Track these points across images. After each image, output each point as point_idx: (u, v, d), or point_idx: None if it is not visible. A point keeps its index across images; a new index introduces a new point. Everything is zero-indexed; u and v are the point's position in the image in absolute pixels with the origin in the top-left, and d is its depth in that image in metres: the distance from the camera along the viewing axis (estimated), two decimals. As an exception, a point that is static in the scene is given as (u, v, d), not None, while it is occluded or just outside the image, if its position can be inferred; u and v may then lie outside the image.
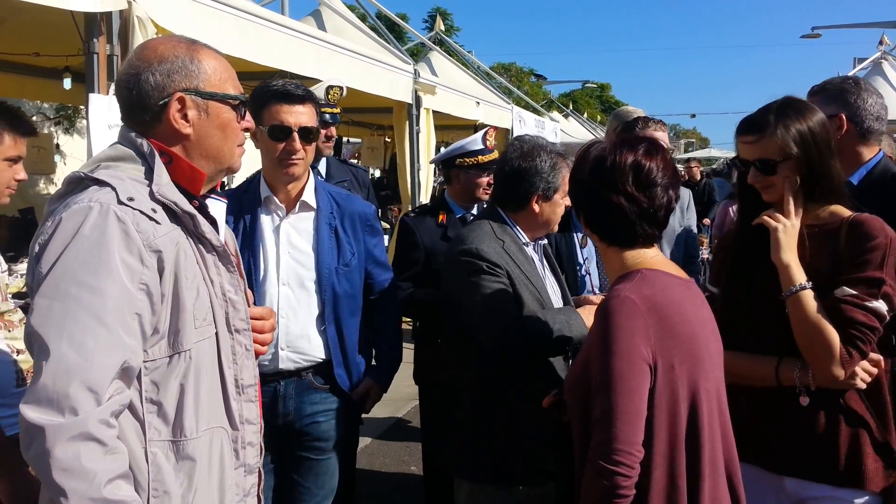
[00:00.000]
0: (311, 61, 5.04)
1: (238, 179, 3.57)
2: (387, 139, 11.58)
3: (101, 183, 1.43)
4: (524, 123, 10.38)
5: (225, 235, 1.72)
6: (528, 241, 2.48)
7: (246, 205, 2.49)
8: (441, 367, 2.73)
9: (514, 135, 10.09)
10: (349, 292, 2.57)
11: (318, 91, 3.19)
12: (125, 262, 1.36)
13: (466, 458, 2.40)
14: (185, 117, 1.54)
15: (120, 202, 1.40)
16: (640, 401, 1.59)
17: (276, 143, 2.41)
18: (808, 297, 1.90)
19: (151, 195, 1.45)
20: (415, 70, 7.05)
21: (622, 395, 1.57)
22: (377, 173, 12.83)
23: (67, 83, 5.32)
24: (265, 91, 2.47)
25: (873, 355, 1.93)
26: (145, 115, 1.53)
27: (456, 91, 8.24)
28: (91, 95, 3.29)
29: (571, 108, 27.36)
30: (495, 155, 3.37)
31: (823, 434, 1.93)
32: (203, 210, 1.58)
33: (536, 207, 2.43)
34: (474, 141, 3.41)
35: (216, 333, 1.54)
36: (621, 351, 1.59)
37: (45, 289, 1.33)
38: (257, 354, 1.76)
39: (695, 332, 1.69)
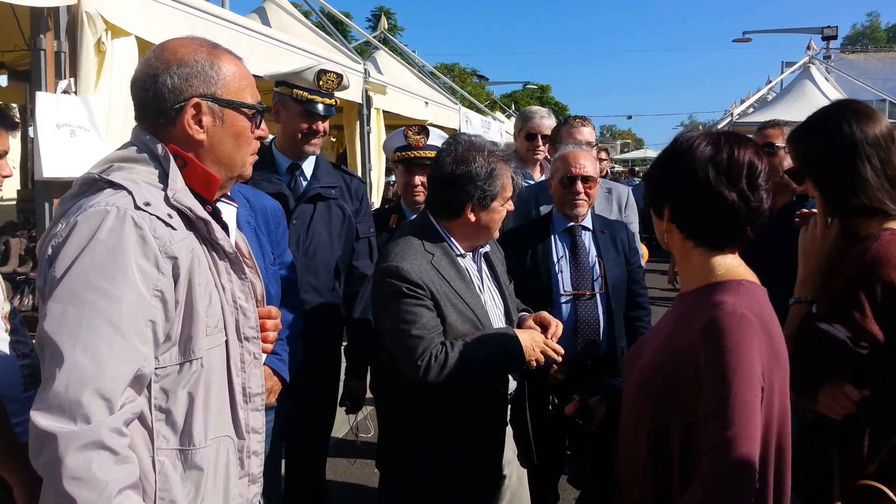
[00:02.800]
0: (262, 59, 4.95)
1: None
2: (333, 139, 11.45)
3: (117, 186, 1.41)
4: (471, 124, 10.43)
5: (237, 239, 1.70)
6: (462, 252, 2.31)
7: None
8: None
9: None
10: (279, 294, 2.45)
11: (308, 74, 2.84)
12: (141, 269, 1.34)
13: (399, 490, 2.30)
14: (199, 123, 1.52)
15: (137, 207, 1.38)
16: (759, 427, 1.46)
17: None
18: (795, 313, 1.94)
19: (167, 200, 1.44)
20: (364, 69, 7.01)
21: (747, 422, 1.43)
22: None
23: (3, 80, 5.09)
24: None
25: (849, 389, 1.83)
26: (160, 117, 1.51)
27: (405, 91, 8.22)
28: (38, 94, 3.14)
29: (514, 108, 27.61)
30: (423, 153, 3.15)
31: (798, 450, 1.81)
32: (216, 216, 1.56)
33: (472, 216, 2.24)
34: (397, 134, 3.22)
35: (226, 341, 1.52)
36: (744, 374, 1.45)
37: (60, 293, 1.30)
38: (264, 353, 1.73)
39: (785, 352, 1.60)
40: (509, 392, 2.35)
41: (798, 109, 10.49)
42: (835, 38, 17.23)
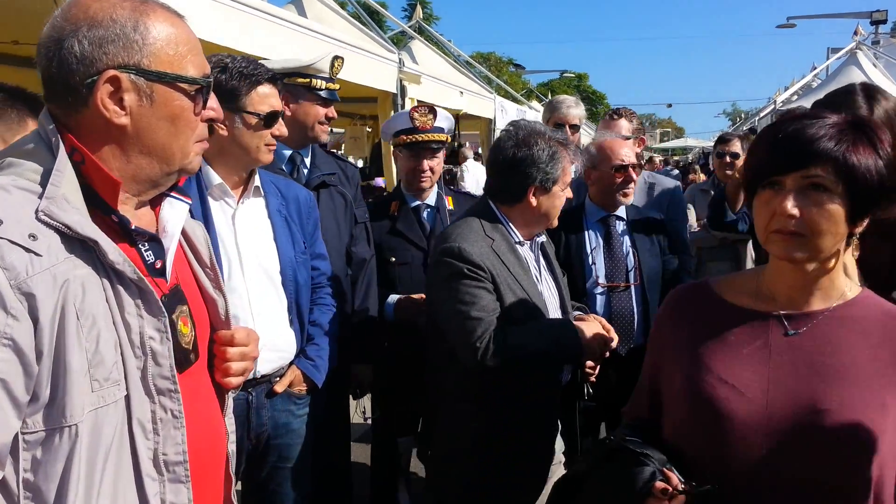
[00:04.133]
0: (297, 49, 4.97)
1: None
2: (368, 129, 11.50)
3: None
4: (506, 113, 10.38)
5: (196, 243, 1.45)
6: (521, 239, 2.30)
7: (190, 194, 2.33)
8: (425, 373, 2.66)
9: (497, 125, 10.10)
10: (308, 282, 2.44)
11: (323, 64, 2.85)
12: None
13: (442, 479, 2.28)
14: (119, 103, 1.19)
15: None
16: None
17: (267, 129, 2.25)
18: None
19: (36, 213, 1.10)
20: (399, 59, 7.01)
21: None
22: (360, 163, 12.76)
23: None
24: (255, 72, 2.26)
25: None
26: (68, 95, 1.18)
27: (440, 80, 8.21)
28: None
29: (550, 97, 27.41)
30: (431, 136, 3.11)
31: None
32: (124, 228, 1.23)
33: (533, 201, 2.24)
34: (399, 116, 3.15)
35: (126, 396, 1.17)
36: None
37: None
38: (227, 389, 1.47)
39: None
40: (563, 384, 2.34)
41: (844, 97, 10.19)
42: (884, 22, 16.70)
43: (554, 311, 2.33)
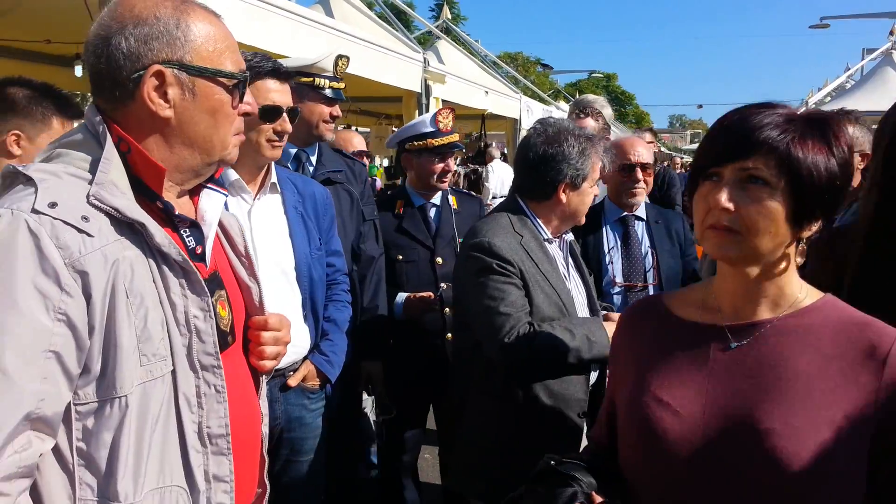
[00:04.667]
0: (322, 49, 5.02)
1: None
2: (394, 128, 11.55)
3: (29, 181, 1.16)
4: (532, 113, 10.35)
5: (232, 234, 1.51)
6: (550, 236, 2.29)
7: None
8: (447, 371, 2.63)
9: (522, 125, 10.08)
10: (323, 278, 2.45)
11: (326, 62, 2.87)
12: (38, 288, 1.08)
13: (466, 476, 2.26)
14: (164, 96, 1.25)
15: (34, 210, 1.11)
16: None
17: (268, 124, 2.25)
18: None
19: (87, 198, 1.16)
20: (424, 59, 7.03)
21: None
22: (385, 162, 12.81)
23: (79, 71, 5.33)
24: (250, 66, 2.23)
25: None
26: (116, 90, 1.24)
27: (465, 80, 8.22)
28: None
29: (578, 96, 27.26)
30: (453, 138, 3.19)
31: None
32: (168, 213, 1.29)
33: (563, 197, 2.24)
34: (423, 122, 3.18)
35: (173, 371, 1.23)
36: None
37: None
38: (262, 372, 1.51)
39: None
40: (591, 383, 2.31)
41: (878, 98, 10.00)
42: (921, 22, 16.31)
43: (582, 309, 2.32)
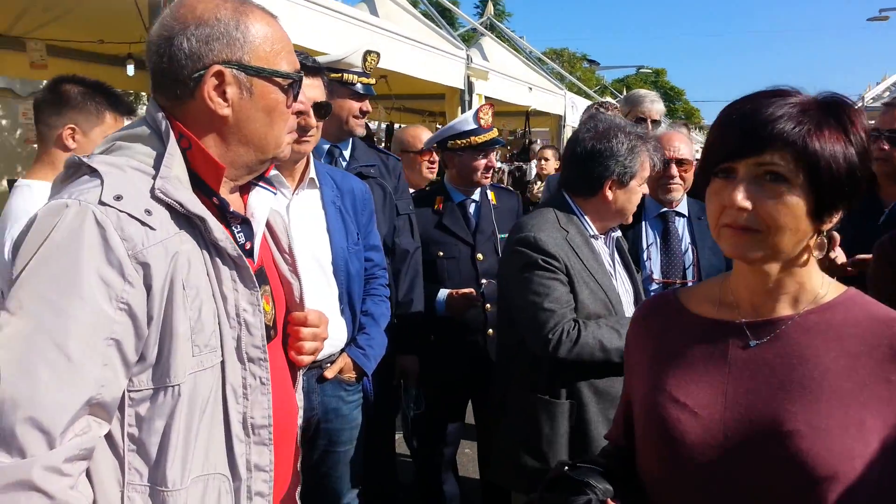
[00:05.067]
0: (368, 47, 5.06)
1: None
2: (438, 125, 11.58)
3: (94, 172, 1.19)
4: (577, 109, 10.25)
5: (277, 232, 1.54)
6: (596, 233, 2.27)
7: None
8: (487, 364, 2.64)
9: (567, 121, 10.00)
10: (360, 273, 2.47)
11: (355, 58, 2.91)
12: (102, 277, 1.11)
13: (508, 469, 2.24)
14: (222, 95, 1.28)
15: (101, 202, 1.14)
16: None
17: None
18: None
19: (151, 191, 1.20)
20: (467, 55, 7.03)
21: None
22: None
23: (131, 70, 5.47)
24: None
25: None
26: (177, 88, 1.28)
27: (508, 76, 8.20)
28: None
29: (625, 93, 26.88)
30: (493, 134, 3.21)
31: None
32: (223, 210, 1.32)
33: (609, 194, 2.22)
34: (465, 120, 3.19)
35: (222, 362, 1.27)
36: None
37: (10, 301, 1.11)
38: (299, 367, 1.55)
39: None
40: None
41: (939, 92, 9.60)
42: None
43: (628, 307, 2.29)
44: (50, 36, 5.06)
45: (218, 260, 1.27)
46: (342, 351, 2.42)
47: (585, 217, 2.26)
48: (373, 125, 12.09)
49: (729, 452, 1.18)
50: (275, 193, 1.48)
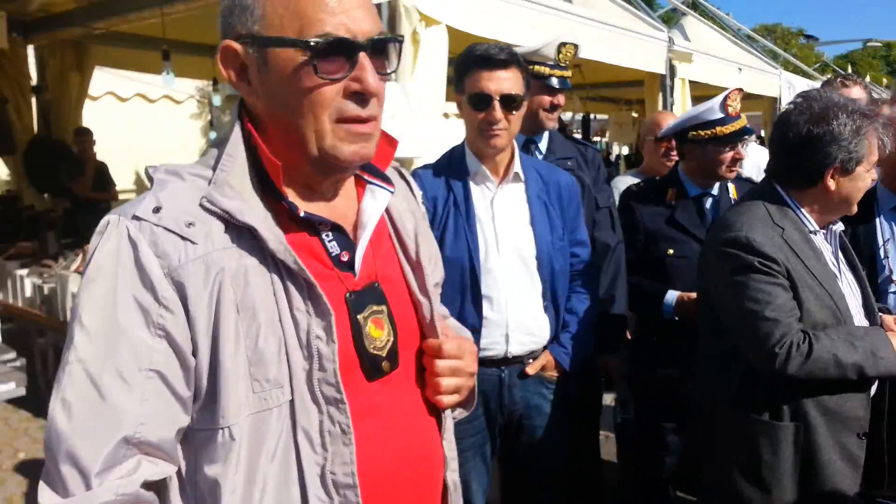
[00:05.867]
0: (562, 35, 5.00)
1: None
2: (635, 114, 11.18)
3: (152, 182, 1.07)
4: (794, 89, 9.36)
5: (405, 239, 1.24)
6: (816, 227, 2.02)
7: (454, 179, 2.33)
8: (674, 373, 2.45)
9: (783, 103, 9.16)
10: (564, 269, 2.41)
11: (548, 50, 2.80)
12: (138, 301, 0.97)
13: (725, 497, 2.04)
14: (244, 77, 1.07)
15: (136, 216, 1.00)
16: None
17: (477, 112, 2.25)
18: None
19: (201, 200, 1.03)
20: (669, 37, 6.69)
21: None
22: (625, 150, 12.47)
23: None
24: (466, 56, 2.30)
25: None
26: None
27: (714, 57, 7.68)
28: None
29: (850, 71, 24.18)
30: (741, 123, 2.87)
31: None
32: (292, 215, 1.08)
33: (831, 184, 1.95)
34: (710, 109, 2.89)
35: (291, 402, 1.03)
36: None
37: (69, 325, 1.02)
38: (441, 408, 1.23)
39: None
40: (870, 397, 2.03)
41: None
42: None
43: (857, 313, 2.02)
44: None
45: (287, 278, 1.04)
46: (544, 348, 2.39)
47: (802, 210, 2.01)
48: (566, 116, 11.96)
49: None
50: (391, 191, 1.19)
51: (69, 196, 7.00)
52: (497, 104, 2.24)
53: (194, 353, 1.00)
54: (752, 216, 1.97)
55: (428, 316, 1.22)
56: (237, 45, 1.05)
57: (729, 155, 2.87)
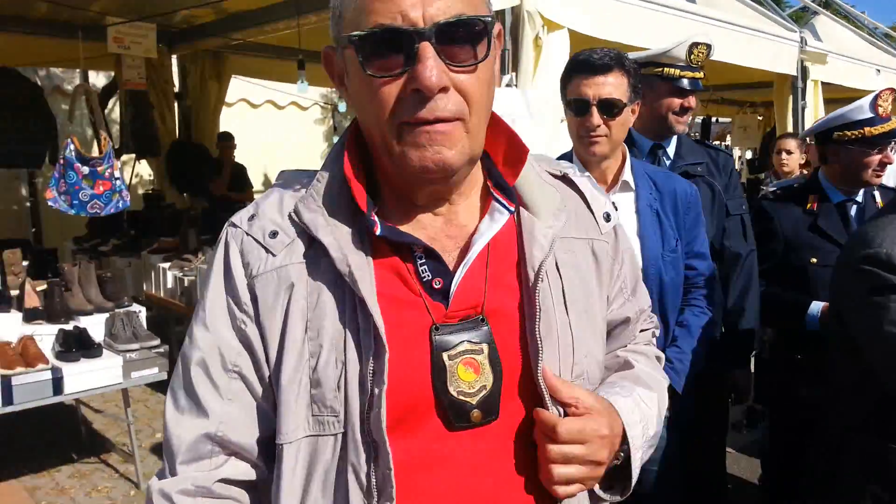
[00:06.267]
0: (683, 37, 4.90)
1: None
2: (759, 117, 10.69)
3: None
4: (940, 90, 8.68)
5: (532, 269, 1.01)
6: None
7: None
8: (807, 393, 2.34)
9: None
10: (675, 282, 2.28)
11: (679, 51, 2.74)
12: (226, 303, 0.99)
13: None
14: (342, 83, 1.01)
15: (232, 222, 1.02)
16: None
17: (577, 118, 2.21)
18: None
19: (292, 210, 1.00)
20: (801, 38, 6.38)
21: None
22: (748, 154, 11.95)
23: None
24: (569, 62, 2.26)
25: None
26: None
27: (850, 59, 7.25)
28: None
29: None
30: (892, 125, 2.70)
31: None
32: (369, 233, 0.97)
33: None
34: (859, 108, 2.73)
35: (343, 435, 0.94)
36: None
37: None
38: (557, 497, 0.98)
39: None
40: None
41: None
42: None
43: None
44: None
45: (358, 301, 0.95)
46: None
47: None
48: (686, 120, 11.58)
49: None
50: (511, 211, 1.02)
51: (206, 196, 7.50)
52: (595, 109, 2.18)
53: (267, 363, 0.98)
54: (894, 230, 1.84)
55: (535, 365, 0.99)
56: (331, 51, 1.00)
57: (876, 158, 2.71)
